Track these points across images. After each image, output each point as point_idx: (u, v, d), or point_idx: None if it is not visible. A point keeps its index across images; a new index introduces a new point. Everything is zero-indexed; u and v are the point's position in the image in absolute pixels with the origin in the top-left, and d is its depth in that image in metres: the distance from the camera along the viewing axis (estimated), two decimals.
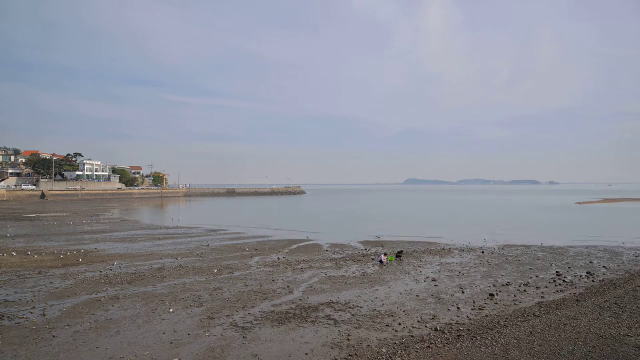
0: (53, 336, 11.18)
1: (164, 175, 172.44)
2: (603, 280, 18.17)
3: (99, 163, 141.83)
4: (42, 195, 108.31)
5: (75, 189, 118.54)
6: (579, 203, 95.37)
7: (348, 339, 10.96)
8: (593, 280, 18.15)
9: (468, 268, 21.27)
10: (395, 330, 11.69)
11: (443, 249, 28.06)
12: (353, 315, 13.20)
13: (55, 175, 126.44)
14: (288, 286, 17.21)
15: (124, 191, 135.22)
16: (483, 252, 26.65)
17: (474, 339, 10.65)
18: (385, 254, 23.70)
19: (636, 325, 11.36)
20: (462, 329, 11.62)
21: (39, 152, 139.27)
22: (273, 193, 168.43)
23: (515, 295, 15.63)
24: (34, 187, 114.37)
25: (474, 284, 17.74)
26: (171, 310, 13.64)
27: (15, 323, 12.29)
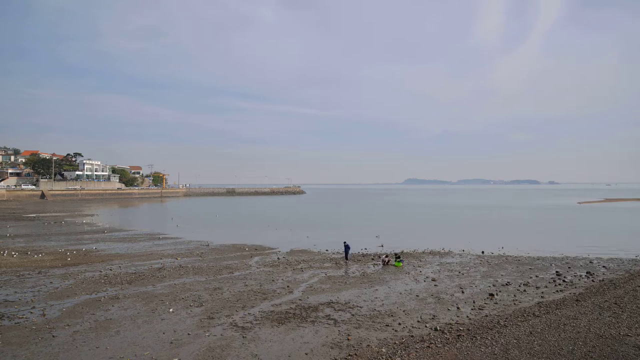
0: (53, 336, 11.18)
1: (163, 175, 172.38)
2: (603, 280, 18.16)
3: (99, 163, 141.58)
4: (42, 195, 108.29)
5: (75, 189, 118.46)
6: (581, 203, 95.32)
7: (348, 339, 10.96)
8: (593, 280, 18.14)
9: (468, 268, 21.26)
10: (395, 330, 11.68)
11: (443, 248, 28.05)
12: (353, 315, 13.20)
13: (55, 175, 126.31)
14: (288, 286, 17.20)
15: (124, 191, 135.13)
16: (483, 252, 26.64)
17: (474, 338, 10.64)
18: (387, 255, 23.52)
19: (636, 325, 11.35)
20: (462, 329, 11.62)
21: (39, 152, 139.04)
22: (273, 193, 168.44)
23: (515, 295, 15.62)
24: (33, 187, 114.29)
25: (474, 283, 17.73)
26: (171, 310, 13.64)
27: (15, 323, 12.28)
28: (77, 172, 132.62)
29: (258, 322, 12.45)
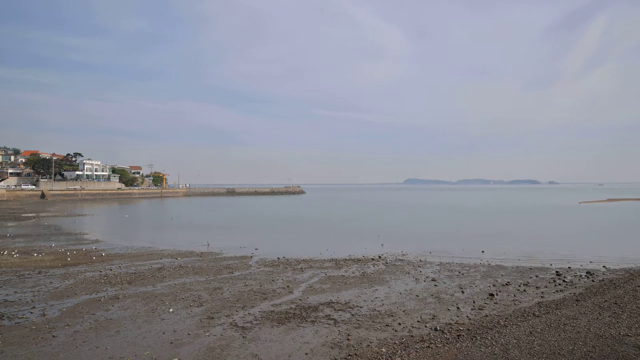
0: (53, 336, 11.18)
1: (163, 175, 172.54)
2: (603, 280, 18.16)
3: (99, 163, 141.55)
4: (42, 195, 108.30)
5: (75, 189, 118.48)
6: (583, 202, 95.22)
7: (348, 339, 10.96)
8: (593, 280, 18.14)
9: (468, 268, 21.26)
10: (395, 330, 11.68)
11: (443, 248, 28.02)
12: (353, 315, 13.20)
13: (55, 175, 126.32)
14: (288, 286, 17.20)
15: (124, 191, 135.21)
16: (483, 251, 26.64)
17: (474, 338, 10.64)
18: None
19: (636, 325, 11.34)
20: (462, 329, 11.62)
21: (39, 152, 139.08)
22: (273, 193, 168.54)
23: (515, 295, 15.62)
24: (33, 187, 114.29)
25: (473, 283, 17.73)
26: (171, 310, 13.64)
27: (15, 323, 12.28)
28: (77, 172, 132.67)
29: (258, 322, 12.46)
